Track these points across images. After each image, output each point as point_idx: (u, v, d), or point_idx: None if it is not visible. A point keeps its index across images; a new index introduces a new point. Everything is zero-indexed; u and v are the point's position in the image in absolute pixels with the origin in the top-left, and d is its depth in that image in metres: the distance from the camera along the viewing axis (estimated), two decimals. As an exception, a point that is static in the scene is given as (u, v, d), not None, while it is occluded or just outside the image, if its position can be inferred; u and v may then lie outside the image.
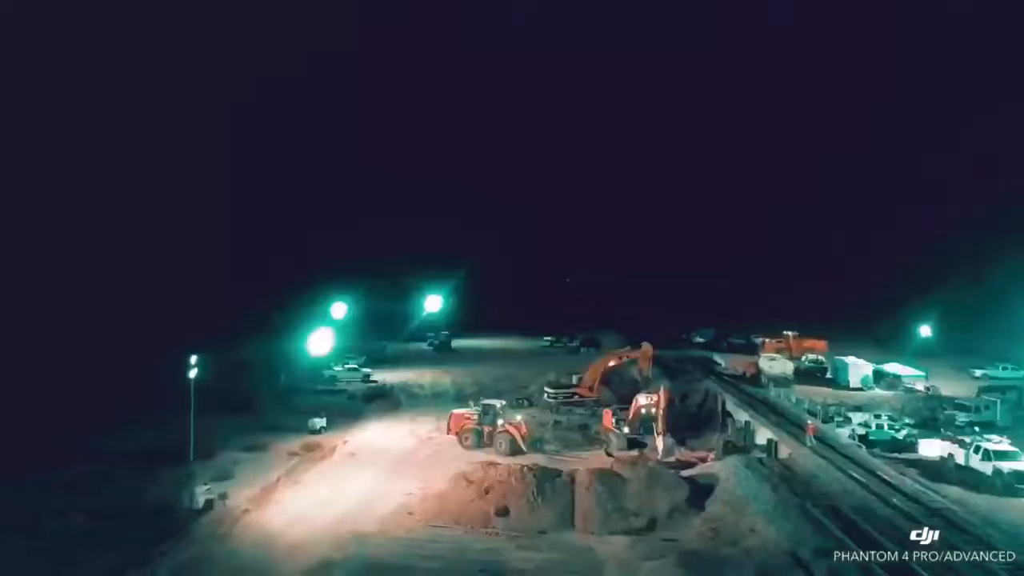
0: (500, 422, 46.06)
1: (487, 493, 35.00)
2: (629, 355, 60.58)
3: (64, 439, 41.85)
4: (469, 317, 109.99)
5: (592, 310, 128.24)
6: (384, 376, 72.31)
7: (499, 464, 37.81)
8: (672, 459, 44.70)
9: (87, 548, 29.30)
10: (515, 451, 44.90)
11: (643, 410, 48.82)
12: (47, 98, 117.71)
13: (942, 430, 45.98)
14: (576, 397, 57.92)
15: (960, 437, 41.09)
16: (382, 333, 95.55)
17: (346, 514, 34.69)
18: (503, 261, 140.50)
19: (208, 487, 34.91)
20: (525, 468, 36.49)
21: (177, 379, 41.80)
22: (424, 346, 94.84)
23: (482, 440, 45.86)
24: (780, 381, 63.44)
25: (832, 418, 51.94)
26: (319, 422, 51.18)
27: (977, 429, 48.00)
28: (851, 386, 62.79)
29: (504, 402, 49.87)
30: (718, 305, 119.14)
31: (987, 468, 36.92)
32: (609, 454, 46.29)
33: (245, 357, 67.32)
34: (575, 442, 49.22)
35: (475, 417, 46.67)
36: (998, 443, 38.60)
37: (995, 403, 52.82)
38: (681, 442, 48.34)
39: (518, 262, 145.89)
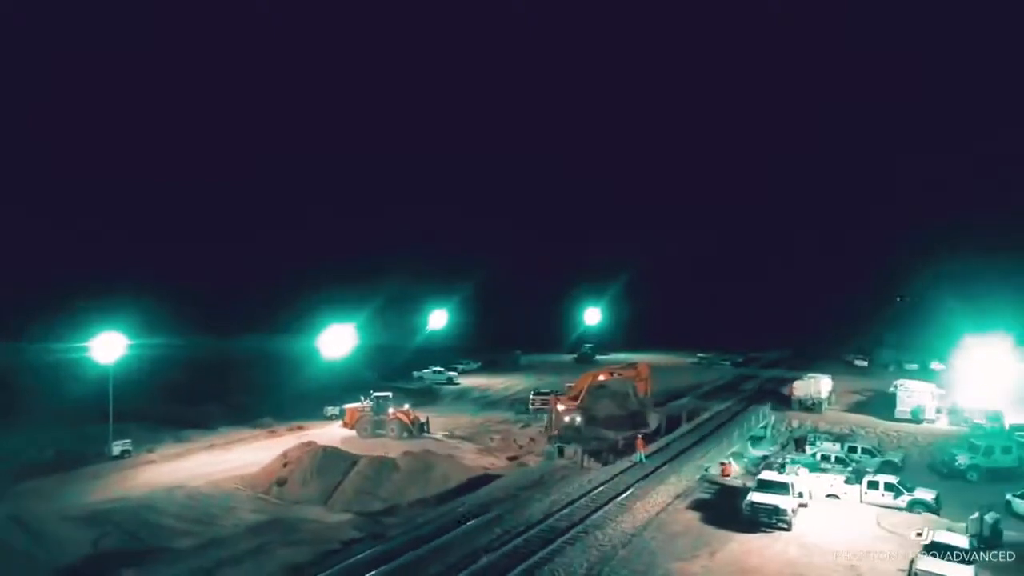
0: (391, 410, 50.83)
1: (285, 467, 41.16)
2: (621, 372, 59.14)
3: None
4: (640, 331, 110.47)
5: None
6: (482, 381, 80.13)
7: (314, 445, 43.16)
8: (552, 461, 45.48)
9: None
10: (407, 435, 49.64)
11: (565, 417, 49.90)
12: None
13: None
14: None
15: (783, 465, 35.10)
16: (535, 343, 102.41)
17: (204, 472, 43.29)
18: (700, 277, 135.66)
19: (127, 442, 46.71)
20: (320, 449, 41.60)
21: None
22: (568, 358, 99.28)
23: (379, 429, 50.95)
24: (807, 404, 55.85)
25: (810, 443, 46.11)
26: (332, 410, 60.93)
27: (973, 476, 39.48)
28: (896, 417, 52.38)
29: (392, 393, 54.16)
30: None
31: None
32: (513, 457, 48.73)
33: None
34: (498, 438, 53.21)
35: (367, 410, 51.87)
36: (786, 476, 32.52)
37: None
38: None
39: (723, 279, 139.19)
